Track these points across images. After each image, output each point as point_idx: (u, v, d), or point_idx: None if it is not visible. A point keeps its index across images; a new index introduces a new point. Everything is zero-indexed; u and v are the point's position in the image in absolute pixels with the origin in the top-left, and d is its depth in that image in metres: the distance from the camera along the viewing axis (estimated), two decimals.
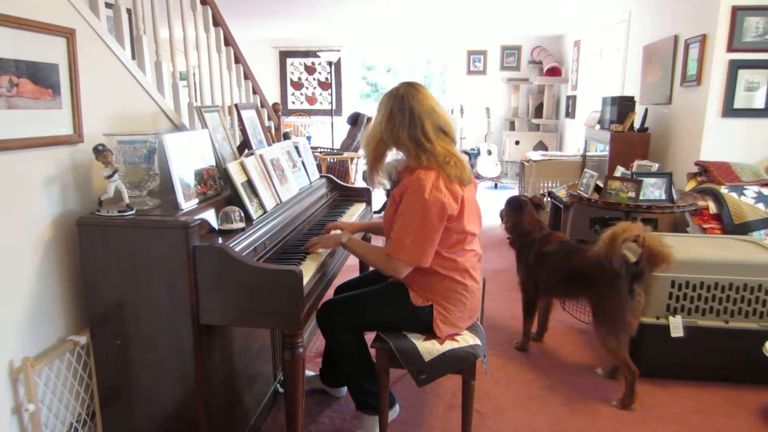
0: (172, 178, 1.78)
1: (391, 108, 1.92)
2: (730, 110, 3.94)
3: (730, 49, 3.85)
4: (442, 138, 1.92)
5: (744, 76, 3.87)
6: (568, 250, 2.67)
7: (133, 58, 2.22)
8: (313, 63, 9.37)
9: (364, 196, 3.09)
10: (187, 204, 1.80)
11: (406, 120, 1.89)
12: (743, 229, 3.31)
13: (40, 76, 1.61)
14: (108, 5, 2.03)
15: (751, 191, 3.55)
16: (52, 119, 1.67)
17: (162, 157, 1.83)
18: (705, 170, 3.80)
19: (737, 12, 3.78)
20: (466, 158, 1.97)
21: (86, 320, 1.79)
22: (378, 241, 2.14)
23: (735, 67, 3.86)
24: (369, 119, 6.78)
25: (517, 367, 2.74)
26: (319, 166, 3.82)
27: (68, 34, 1.71)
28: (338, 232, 2.18)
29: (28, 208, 1.62)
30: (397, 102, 1.92)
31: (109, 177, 1.68)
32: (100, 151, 1.65)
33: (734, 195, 3.51)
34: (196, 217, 1.67)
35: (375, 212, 5.01)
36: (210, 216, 1.79)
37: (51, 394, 1.73)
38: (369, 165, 2.05)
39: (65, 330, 1.79)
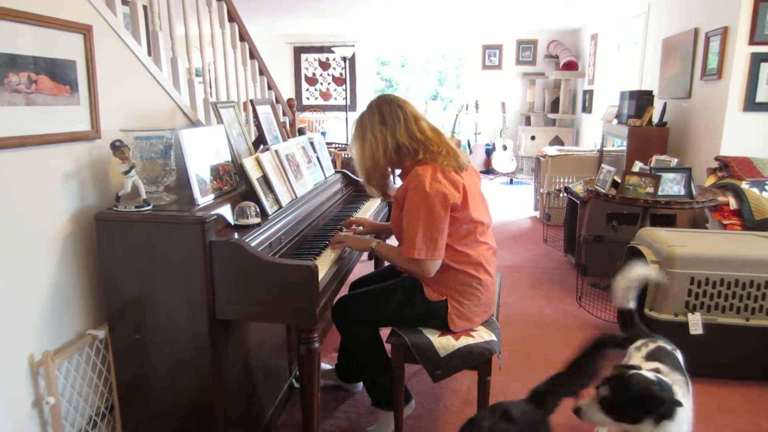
0: (188, 174, 1.79)
1: (382, 115, 1.95)
2: (751, 104, 3.85)
3: (752, 41, 3.76)
4: (434, 130, 1.99)
5: (766, 69, 3.78)
6: None
7: (149, 54, 2.23)
8: (327, 59, 9.37)
9: None
10: (203, 199, 1.80)
11: (401, 118, 1.94)
12: (765, 225, 3.24)
13: (58, 73, 1.63)
14: (124, 2, 2.05)
15: None
16: (69, 115, 1.68)
17: (178, 152, 1.83)
18: (725, 165, 3.72)
19: (760, 4, 3.69)
20: (457, 145, 2.01)
21: (104, 314, 1.81)
22: (394, 241, 2.14)
23: (757, 60, 3.77)
24: None
25: (533, 363, 2.72)
26: (333, 162, 3.81)
27: (85, 31, 1.72)
28: (360, 228, 2.27)
29: (47, 203, 1.64)
30: (385, 106, 1.96)
31: (127, 172, 1.69)
32: (117, 147, 1.67)
33: (755, 190, 3.44)
34: (212, 213, 1.68)
35: None
36: (226, 211, 1.80)
37: (71, 388, 1.75)
38: (377, 182, 2.04)
39: (84, 324, 1.81)
